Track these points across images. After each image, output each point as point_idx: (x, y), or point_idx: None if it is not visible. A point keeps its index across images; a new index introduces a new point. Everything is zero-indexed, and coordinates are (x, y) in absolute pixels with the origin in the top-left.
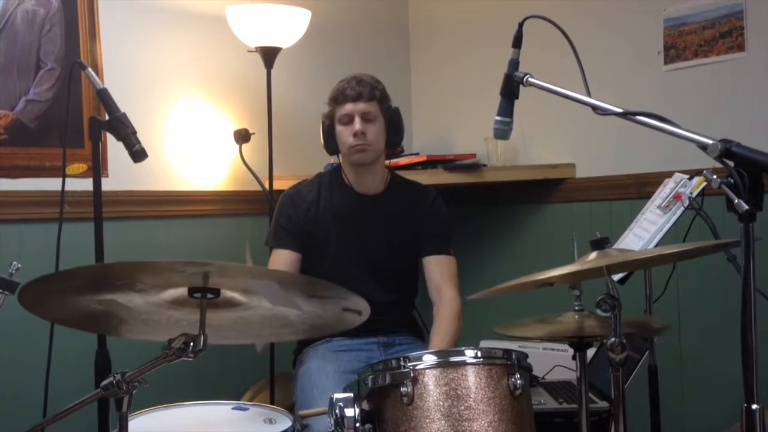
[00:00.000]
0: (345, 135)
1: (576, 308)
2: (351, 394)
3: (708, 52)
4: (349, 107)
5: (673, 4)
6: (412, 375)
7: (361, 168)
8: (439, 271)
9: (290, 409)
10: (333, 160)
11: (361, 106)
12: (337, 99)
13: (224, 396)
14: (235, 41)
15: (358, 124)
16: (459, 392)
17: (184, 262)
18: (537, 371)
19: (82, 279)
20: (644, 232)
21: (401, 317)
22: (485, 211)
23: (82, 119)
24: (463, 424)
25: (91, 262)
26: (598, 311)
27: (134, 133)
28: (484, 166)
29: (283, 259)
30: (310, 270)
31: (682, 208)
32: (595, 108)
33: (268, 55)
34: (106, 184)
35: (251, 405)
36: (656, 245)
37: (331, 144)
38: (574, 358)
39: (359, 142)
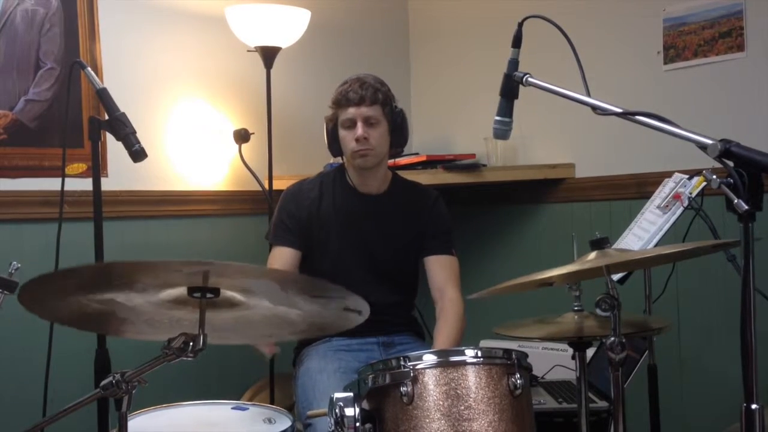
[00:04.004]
0: (348, 139)
1: (575, 309)
2: (351, 394)
3: (707, 52)
4: (351, 111)
5: (672, 4)
6: (412, 375)
7: (364, 170)
8: (441, 271)
9: (290, 408)
10: (333, 159)
11: (364, 110)
12: (340, 102)
13: (224, 396)
14: (235, 41)
15: (360, 129)
16: (459, 392)
17: (182, 262)
18: (537, 371)
19: (81, 278)
20: (644, 232)
21: (402, 317)
22: (485, 211)
23: (81, 119)
24: (463, 423)
25: (91, 262)
26: (598, 311)
27: (134, 132)
28: (484, 166)
29: (283, 256)
30: (310, 269)
31: (682, 208)
32: (594, 108)
33: (268, 54)
34: (106, 184)
35: (251, 405)
36: (656, 245)
37: (334, 146)
38: (573, 357)
39: (361, 147)
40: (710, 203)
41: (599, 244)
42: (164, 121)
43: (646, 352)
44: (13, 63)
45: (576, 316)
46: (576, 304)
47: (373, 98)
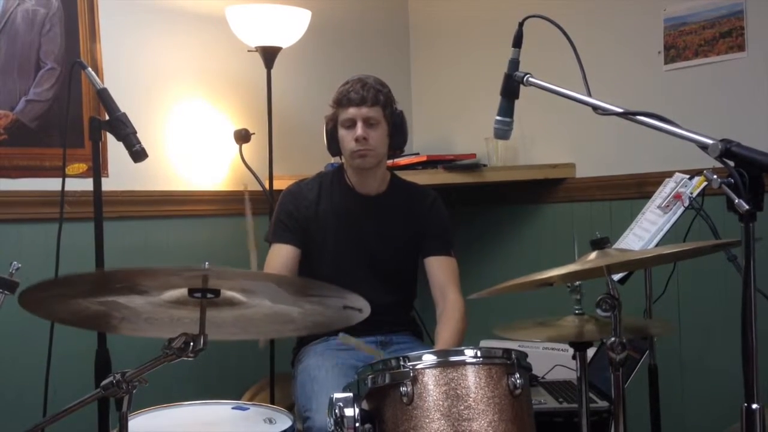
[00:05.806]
0: (347, 139)
1: (576, 312)
2: (351, 394)
3: (708, 52)
4: (352, 111)
5: (673, 4)
6: (411, 375)
7: (363, 171)
8: (441, 272)
9: (290, 408)
10: (333, 160)
11: (364, 111)
12: (341, 102)
13: (224, 396)
14: (235, 41)
15: (360, 129)
16: (459, 392)
17: (183, 268)
18: (537, 371)
19: (82, 284)
20: (644, 232)
21: (401, 318)
22: (485, 211)
23: (82, 119)
24: (462, 423)
25: (92, 262)
26: (598, 311)
27: (134, 132)
28: (484, 166)
29: (282, 254)
30: (309, 270)
31: (683, 208)
32: (595, 108)
33: (268, 55)
34: (106, 184)
35: (251, 405)
36: (656, 245)
37: (333, 146)
38: (574, 357)
39: (361, 148)
40: (711, 203)
41: (600, 244)
42: (164, 121)
43: (647, 352)
44: (14, 63)
45: (576, 320)
46: (577, 307)
47: (374, 99)
